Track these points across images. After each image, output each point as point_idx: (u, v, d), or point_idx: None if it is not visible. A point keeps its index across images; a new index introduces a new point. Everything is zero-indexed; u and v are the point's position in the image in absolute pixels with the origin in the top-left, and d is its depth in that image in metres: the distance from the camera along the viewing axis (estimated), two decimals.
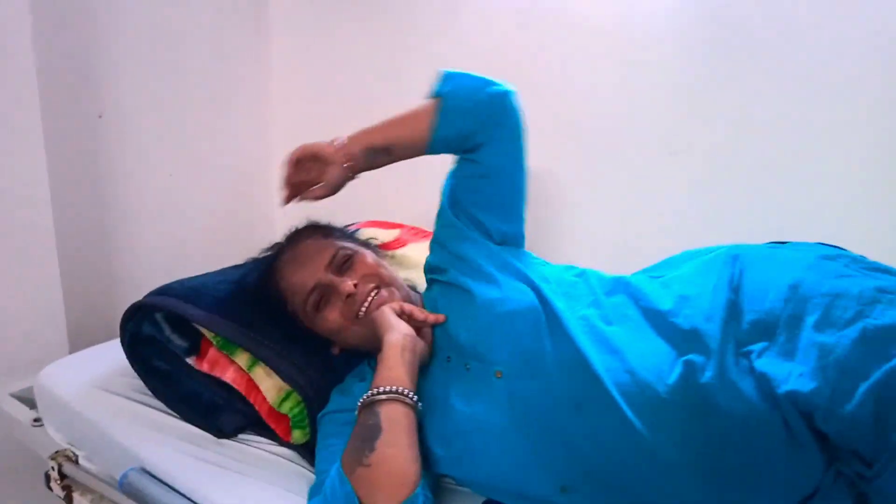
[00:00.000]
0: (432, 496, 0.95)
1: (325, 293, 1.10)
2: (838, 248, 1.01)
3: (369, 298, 1.08)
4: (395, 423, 0.90)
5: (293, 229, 1.22)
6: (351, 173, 1.13)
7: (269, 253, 1.22)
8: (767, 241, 1.09)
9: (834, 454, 0.84)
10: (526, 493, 0.95)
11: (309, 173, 1.13)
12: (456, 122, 1.13)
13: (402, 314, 1.05)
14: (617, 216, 1.68)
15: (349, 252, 1.12)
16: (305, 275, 1.11)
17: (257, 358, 1.12)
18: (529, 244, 1.25)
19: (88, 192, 1.81)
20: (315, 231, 1.20)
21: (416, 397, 0.94)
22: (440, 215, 1.22)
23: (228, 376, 1.15)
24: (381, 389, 0.93)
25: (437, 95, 1.15)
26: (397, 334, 1.00)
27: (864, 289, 0.87)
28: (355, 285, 1.07)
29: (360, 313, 1.08)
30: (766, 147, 1.47)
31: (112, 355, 1.28)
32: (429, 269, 1.21)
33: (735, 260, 1.01)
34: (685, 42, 1.53)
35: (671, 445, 0.86)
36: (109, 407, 1.21)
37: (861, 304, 0.85)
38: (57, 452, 1.21)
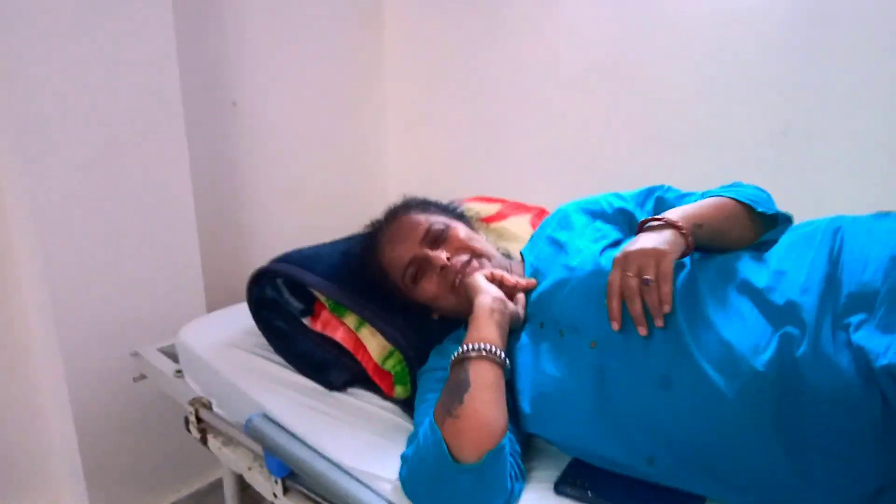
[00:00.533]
0: (520, 450, 1.01)
1: (421, 266, 1.18)
2: None
3: (462, 269, 1.15)
4: (483, 379, 0.96)
5: (390, 206, 1.30)
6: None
7: (370, 230, 1.31)
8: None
9: None
10: (611, 459, 0.98)
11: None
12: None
13: (493, 280, 1.11)
14: None
15: (441, 226, 1.19)
16: (402, 250, 1.19)
17: (363, 319, 1.22)
18: None
19: (223, 172, 1.99)
20: (410, 207, 1.27)
21: (503, 355, 1.00)
22: (647, 193, 1.25)
23: (339, 336, 1.26)
24: (471, 347, 0.99)
25: (774, 215, 1.11)
26: (487, 297, 1.06)
27: None
28: (448, 258, 1.14)
29: (455, 283, 1.15)
30: (872, 122, 1.40)
31: (241, 316, 1.42)
32: (561, 219, 1.24)
33: (836, 232, 0.99)
34: (786, 20, 1.48)
35: (762, 420, 0.86)
36: (237, 361, 1.35)
37: None
38: (194, 399, 1.37)
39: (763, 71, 1.54)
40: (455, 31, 2.13)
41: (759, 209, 1.08)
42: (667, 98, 1.71)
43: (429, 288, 1.18)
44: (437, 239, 1.18)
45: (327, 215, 2.18)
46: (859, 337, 0.85)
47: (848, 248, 0.95)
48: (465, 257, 1.16)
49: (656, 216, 1.03)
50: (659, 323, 0.93)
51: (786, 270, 0.97)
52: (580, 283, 1.06)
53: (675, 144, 1.72)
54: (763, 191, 1.16)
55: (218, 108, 1.95)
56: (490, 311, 1.04)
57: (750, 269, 1.00)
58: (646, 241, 0.98)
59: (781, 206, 1.50)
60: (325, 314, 1.29)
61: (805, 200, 1.51)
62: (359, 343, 1.23)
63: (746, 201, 1.08)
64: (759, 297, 0.95)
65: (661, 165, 1.75)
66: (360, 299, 1.24)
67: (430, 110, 2.29)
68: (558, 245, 1.16)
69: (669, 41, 1.67)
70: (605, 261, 1.07)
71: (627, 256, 0.97)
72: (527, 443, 1.08)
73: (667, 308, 0.93)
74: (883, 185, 1.43)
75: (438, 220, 1.21)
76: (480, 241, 1.22)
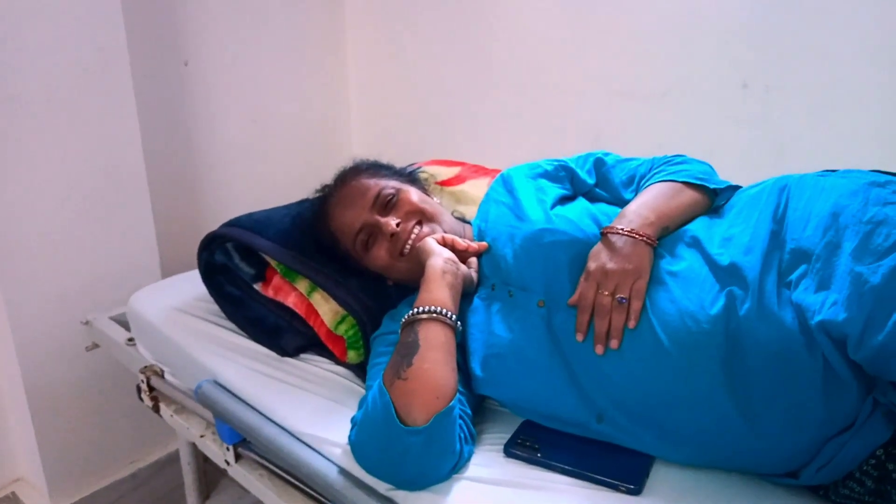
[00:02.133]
0: (471, 413, 1.01)
1: (371, 232, 1.15)
2: (891, 174, 0.96)
3: (413, 235, 1.13)
4: (432, 341, 0.95)
5: (340, 170, 1.26)
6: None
7: (319, 194, 1.27)
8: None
9: (871, 383, 0.83)
10: (562, 418, 0.99)
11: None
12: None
13: (444, 244, 1.09)
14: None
15: (392, 190, 1.16)
16: (352, 216, 1.16)
17: (315, 284, 1.20)
18: None
19: (176, 135, 1.94)
20: (360, 171, 1.23)
21: (454, 317, 0.98)
22: (587, 156, 1.26)
23: (291, 301, 1.24)
24: (421, 309, 0.97)
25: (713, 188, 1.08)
26: (438, 259, 1.04)
27: None
28: (398, 224, 1.12)
29: (405, 250, 1.13)
30: (843, 78, 1.41)
31: (194, 282, 1.39)
32: (506, 182, 1.22)
33: (781, 191, 0.99)
34: None
35: (710, 374, 0.87)
36: (189, 328, 1.33)
37: None
38: (145, 367, 1.34)
39: (725, 26, 1.54)
40: None
41: (712, 187, 1.08)
42: (632, 53, 1.70)
43: (380, 255, 1.15)
44: (388, 204, 1.15)
45: (288, 177, 2.14)
46: (798, 293, 0.86)
47: (793, 206, 0.95)
48: (413, 222, 1.14)
49: (625, 228, 0.99)
50: (615, 344, 0.93)
51: (733, 234, 0.98)
52: (528, 241, 1.05)
53: (641, 99, 1.71)
54: (707, 164, 1.16)
55: (170, 68, 1.89)
56: (441, 273, 1.03)
57: (702, 232, 1.01)
58: (623, 258, 0.96)
59: (744, 156, 1.54)
60: (276, 279, 1.27)
61: (766, 151, 1.54)
62: (311, 308, 1.20)
63: (698, 182, 1.08)
64: (708, 259, 0.96)
65: (628, 120, 1.75)
66: (312, 264, 1.21)
67: (394, 69, 2.24)
68: (506, 207, 1.15)
69: None
70: (556, 218, 1.06)
71: (607, 274, 0.95)
72: (479, 406, 1.08)
73: (632, 324, 0.92)
74: (839, 137, 1.45)
75: (389, 185, 1.18)
76: (433, 204, 1.19)
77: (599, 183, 1.23)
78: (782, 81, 1.49)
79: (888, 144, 1.38)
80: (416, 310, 0.98)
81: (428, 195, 1.24)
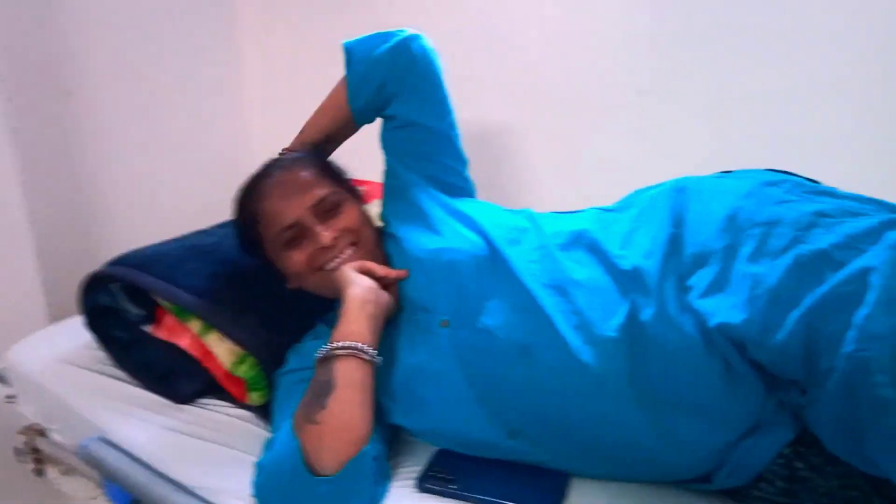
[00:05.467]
0: (386, 449, 0.96)
1: (300, 234, 1.04)
2: (785, 172, 0.97)
3: (341, 255, 1.04)
4: (349, 379, 0.88)
5: (293, 154, 1.16)
6: None
7: (262, 167, 1.15)
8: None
9: (773, 383, 0.83)
10: (474, 439, 0.95)
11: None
12: (363, 88, 1.16)
13: (362, 271, 1.02)
14: (581, 160, 1.66)
15: (339, 199, 1.06)
16: (288, 207, 1.04)
17: (209, 324, 1.11)
18: (489, 195, 1.24)
19: (61, 170, 1.80)
20: (313, 163, 1.12)
21: (372, 352, 0.92)
22: (388, 170, 1.21)
23: (185, 343, 1.15)
24: (338, 344, 0.90)
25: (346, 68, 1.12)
26: (359, 288, 0.97)
27: (802, 214, 0.84)
28: (335, 239, 1.03)
29: (326, 267, 1.04)
30: (736, 83, 1.43)
31: (80, 329, 1.28)
32: (382, 219, 1.18)
33: (679, 193, 0.99)
34: None
35: (618, 383, 0.86)
36: (75, 380, 1.22)
37: (797, 230, 0.82)
38: (26, 427, 1.22)
39: (619, 33, 1.54)
40: (316, 18, 2.03)
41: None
42: (528, 63, 1.69)
43: (297, 260, 1.04)
44: (330, 211, 1.05)
45: (189, 209, 2.01)
46: (697, 297, 0.86)
47: (691, 209, 0.95)
48: (348, 241, 1.05)
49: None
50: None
51: (632, 236, 0.97)
52: (421, 263, 1.02)
53: (537, 106, 1.70)
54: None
55: (52, 98, 1.76)
56: (361, 304, 0.95)
57: (600, 234, 0.99)
58: None
59: (640, 162, 1.55)
60: (168, 319, 1.18)
61: (662, 157, 1.55)
62: (206, 349, 1.12)
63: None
64: (609, 263, 0.94)
65: (525, 127, 1.74)
66: (205, 302, 1.12)
67: (296, 88, 2.15)
68: (392, 236, 1.11)
69: (531, 8, 1.65)
70: (449, 234, 1.04)
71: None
72: (394, 439, 1.03)
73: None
74: (734, 141, 1.47)
75: (338, 191, 1.07)
76: (371, 227, 1.11)
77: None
78: (677, 88, 1.51)
79: (784, 146, 1.41)
80: (333, 344, 0.91)
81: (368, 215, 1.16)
